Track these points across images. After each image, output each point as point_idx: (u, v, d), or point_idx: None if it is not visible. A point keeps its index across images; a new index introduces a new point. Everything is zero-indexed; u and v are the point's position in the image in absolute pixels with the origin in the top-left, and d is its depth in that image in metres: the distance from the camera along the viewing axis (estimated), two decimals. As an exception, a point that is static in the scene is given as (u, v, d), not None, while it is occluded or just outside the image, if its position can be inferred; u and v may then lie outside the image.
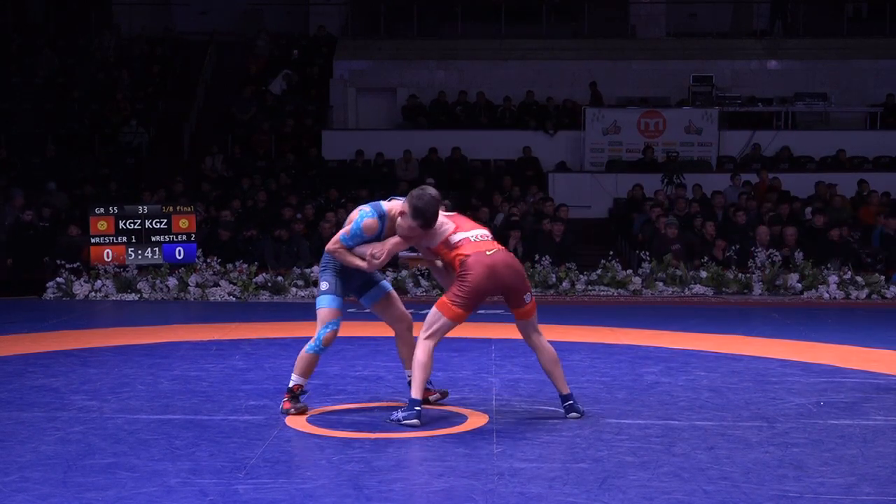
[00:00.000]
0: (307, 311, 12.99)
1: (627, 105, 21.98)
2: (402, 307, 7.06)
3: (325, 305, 6.65)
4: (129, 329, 11.26)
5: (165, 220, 15.00)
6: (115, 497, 4.98)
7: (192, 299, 14.25)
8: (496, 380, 8.14)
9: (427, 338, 6.52)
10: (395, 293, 7.06)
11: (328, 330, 6.63)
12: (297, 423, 6.61)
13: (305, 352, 6.65)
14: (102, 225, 14.91)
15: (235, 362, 8.97)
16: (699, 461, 5.74)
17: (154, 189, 18.30)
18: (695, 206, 17.70)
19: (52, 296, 14.46)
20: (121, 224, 14.89)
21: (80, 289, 14.47)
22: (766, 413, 7.01)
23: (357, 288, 6.91)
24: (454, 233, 6.62)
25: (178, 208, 15.28)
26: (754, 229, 16.08)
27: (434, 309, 6.57)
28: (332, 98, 23.53)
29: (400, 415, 6.49)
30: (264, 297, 14.37)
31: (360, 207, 6.69)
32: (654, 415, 6.94)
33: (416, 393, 6.51)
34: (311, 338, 6.69)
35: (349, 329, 11.04)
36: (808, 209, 17.74)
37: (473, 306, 6.58)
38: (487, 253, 6.54)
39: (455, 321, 6.55)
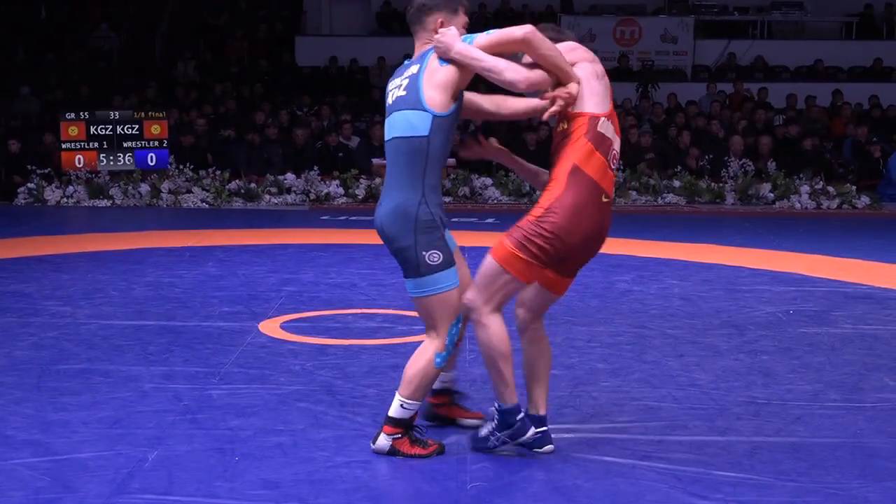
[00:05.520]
0: (280, 219, 13.04)
1: (602, 13, 21.79)
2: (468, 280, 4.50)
3: (452, 285, 4.27)
4: (102, 235, 11.21)
5: (137, 126, 14.88)
6: (90, 402, 4.99)
7: (164, 206, 14.18)
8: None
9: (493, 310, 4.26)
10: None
11: (459, 326, 4.37)
12: (270, 329, 6.62)
13: (435, 367, 4.32)
14: (73, 130, 14.79)
15: (209, 269, 8.96)
16: (669, 368, 5.80)
17: (125, 94, 18.10)
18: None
19: (23, 201, 14.36)
20: (92, 129, 14.77)
21: (52, 195, 14.37)
22: (736, 321, 7.07)
23: None
24: (600, 107, 4.24)
25: (149, 114, 15.15)
26: (728, 139, 16.09)
27: (490, 260, 4.26)
28: (306, 3, 23.21)
29: (496, 435, 4.35)
30: (237, 203, 14.32)
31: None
32: (626, 322, 6.99)
33: (506, 397, 4.31)
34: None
35: (323, 236, 11.05)
36: (779, 117, 17.77)
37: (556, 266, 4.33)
38: (604, 199, 4.22)
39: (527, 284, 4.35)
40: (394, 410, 4.33)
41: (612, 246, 10.26)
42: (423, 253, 4.19)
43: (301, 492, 3.91)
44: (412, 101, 4.21)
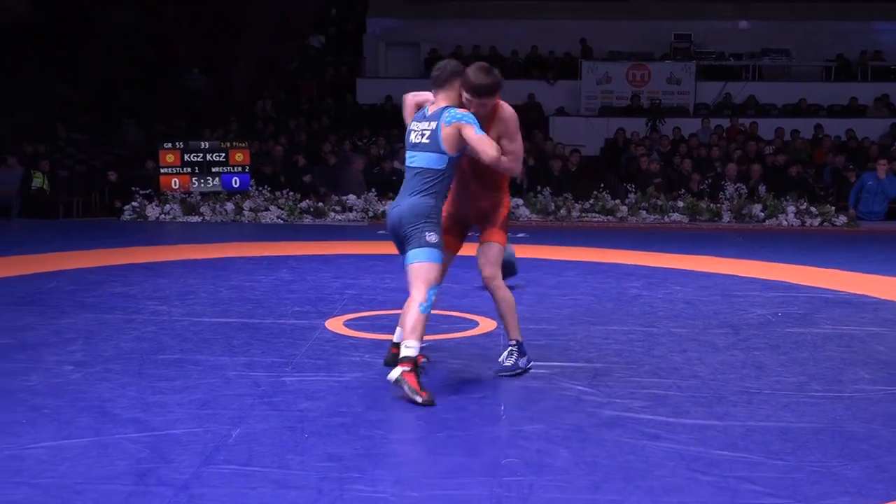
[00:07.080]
0: (344, 233, 13.08)
1: (617, 59, 21.73)
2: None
3: (438, 260, 4.99)
4: (194, 246, 11.28)
5: (224, 154, 15.02)
6: (183, 386, 5.02)
7: (246, 221, 14.26)
8: (503, 292, 8.12)
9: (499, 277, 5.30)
10: None
11: (437, 291, 5.01)
12: (335, 326, 6.63)
13: (420, 313, 4.89)
14: (170, 157, 14.95)
15: (283, 275, 8.99)
16: (674, 362, 5.75)
17: (214, 128, 18.25)
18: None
19: (128, 217, 14.51)
20: (186, 157, 14.93)
21: (152, 212, 14.50)
22: (731, 322, 7.01)
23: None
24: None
25: (234, 144, 15.28)
26: (724, 166, 15.98)
27: (498, 245, 5.28)
28: (366, 51, 23.33)
29: (515, 362, 5.35)
30: (307, 220, 14.38)
31: (455, 114, 4.96)
32: (637, 322, 6.94)
33: (515, 334, 5.40)
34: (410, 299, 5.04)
35: (379, 248, 11.07)
36: (768, 148, 17.64)
37: None
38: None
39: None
40: (403, 352, 4.82)
41: (625, 257, 10.28)
42: (427, 232, 4.95)
43: (360, 464, 3.91)
44: (433, 147, 4.97)
